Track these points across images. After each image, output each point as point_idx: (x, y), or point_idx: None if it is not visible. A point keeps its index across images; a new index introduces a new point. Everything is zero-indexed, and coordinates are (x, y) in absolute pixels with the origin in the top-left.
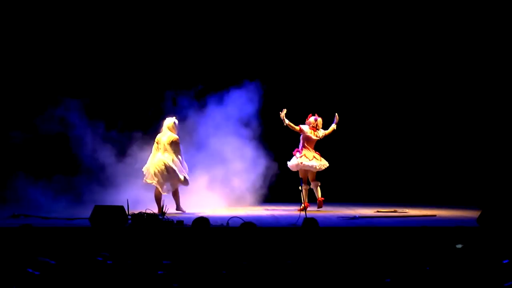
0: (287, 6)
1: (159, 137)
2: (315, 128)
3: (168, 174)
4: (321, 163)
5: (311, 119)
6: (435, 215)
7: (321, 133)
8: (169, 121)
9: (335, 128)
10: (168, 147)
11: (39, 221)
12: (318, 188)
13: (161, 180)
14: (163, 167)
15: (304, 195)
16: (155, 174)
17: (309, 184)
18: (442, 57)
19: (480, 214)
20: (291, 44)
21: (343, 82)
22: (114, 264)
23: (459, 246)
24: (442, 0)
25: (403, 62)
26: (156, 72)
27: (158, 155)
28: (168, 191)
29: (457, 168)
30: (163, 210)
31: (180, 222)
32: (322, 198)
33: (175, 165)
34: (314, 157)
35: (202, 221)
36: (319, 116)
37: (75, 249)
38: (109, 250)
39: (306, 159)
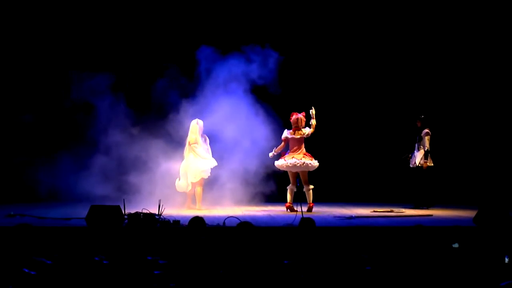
0: None
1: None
2: (298, 127)
3: (186, 173)
4: (283, 163)
5: (293, 118)
6: (431, 215)
7: (306, 131)
8: (192, 123)
9: (315, 123)
10: (188, 147)
11: (35, 220)
12: (308, 192)
13: (182, 179)
14: (183, 166)
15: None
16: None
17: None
18: (444, 56)
19: (477, 214)
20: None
21: (342, 77)
22: (110, 264)
23: (455, 245)
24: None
25: (407, 59)
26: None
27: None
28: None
29: (453, 167)
30: (160, 210)
31: (176, 222)
32: (311, 204)
33: (192, 165)
34: (284, 157)
35: (198, 221)
36: (299, 113)
37: (71, 249)
38: (106, 250)
39: (281, 160)
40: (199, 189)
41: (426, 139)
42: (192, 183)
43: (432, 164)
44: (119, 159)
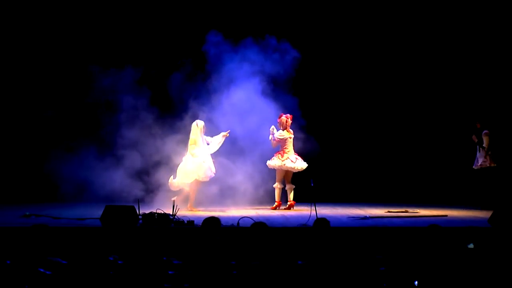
0: None
1: None
2: (286, 127)
3: (181, 172)
4: (296, 165)
5: (283, 118)
6: (446, 215)
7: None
8: (193, 124)
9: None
10: (188, 147)
11: (50, 221)
12: (292, 191)
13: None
14: (180, 166)
15: (277, 194)
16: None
17: (285, 185)
18: (453, 58)
19: (492, 215)
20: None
21: (354, 80)
22: (125, 264)
23: (470, 246)
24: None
25: (422, 60)
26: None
27: None
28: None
29: (467, 168)
30: (174, 210)
31: (190, 222)
32: (293, 202)
33: (184, 165)
34: (296, 158)
35: (212, 221)
36: (284, 114)
37: (86, 249)
38: (120, 250)
39: (289, 161)
40: (192, 190)
41: (485, 140)
42: (189, 183)
43: (494, 165)
44: (141, 158)
